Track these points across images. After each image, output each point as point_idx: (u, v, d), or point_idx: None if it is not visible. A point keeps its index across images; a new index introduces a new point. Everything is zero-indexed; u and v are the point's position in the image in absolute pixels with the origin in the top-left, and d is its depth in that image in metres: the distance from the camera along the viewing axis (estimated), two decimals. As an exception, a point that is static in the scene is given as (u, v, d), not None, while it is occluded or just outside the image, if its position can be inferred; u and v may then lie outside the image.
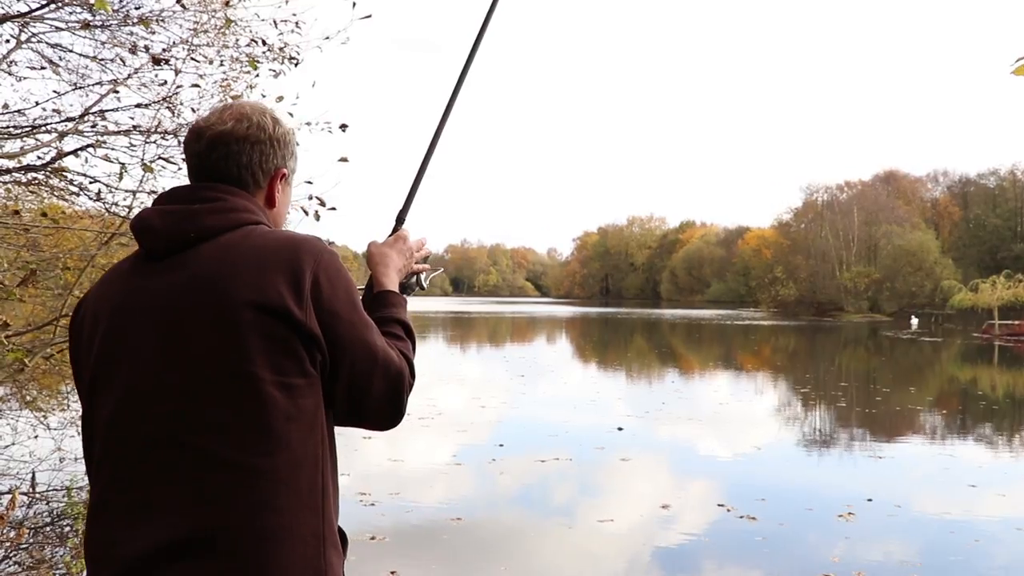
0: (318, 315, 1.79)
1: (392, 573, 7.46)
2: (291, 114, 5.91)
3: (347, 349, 1.83)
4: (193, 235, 1.82)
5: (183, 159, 5.67)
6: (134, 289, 1.85)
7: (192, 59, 5.80)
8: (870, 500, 10.60)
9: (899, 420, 18.63)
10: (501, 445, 14.01)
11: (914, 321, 71.90)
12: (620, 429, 15.83)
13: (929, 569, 8.12)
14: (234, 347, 1.72)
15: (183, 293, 1.77)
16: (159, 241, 1.84)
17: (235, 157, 1.93)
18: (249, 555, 1.68)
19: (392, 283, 2.25)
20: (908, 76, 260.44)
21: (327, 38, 5.90)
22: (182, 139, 5.62)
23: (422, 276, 2.44)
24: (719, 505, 10.34)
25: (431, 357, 32.33)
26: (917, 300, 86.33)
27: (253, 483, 1.70)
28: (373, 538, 8.44)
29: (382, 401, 1.90)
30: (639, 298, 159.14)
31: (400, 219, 2.48)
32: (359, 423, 1.95)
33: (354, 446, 13.09)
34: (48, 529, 6.76)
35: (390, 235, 2.41)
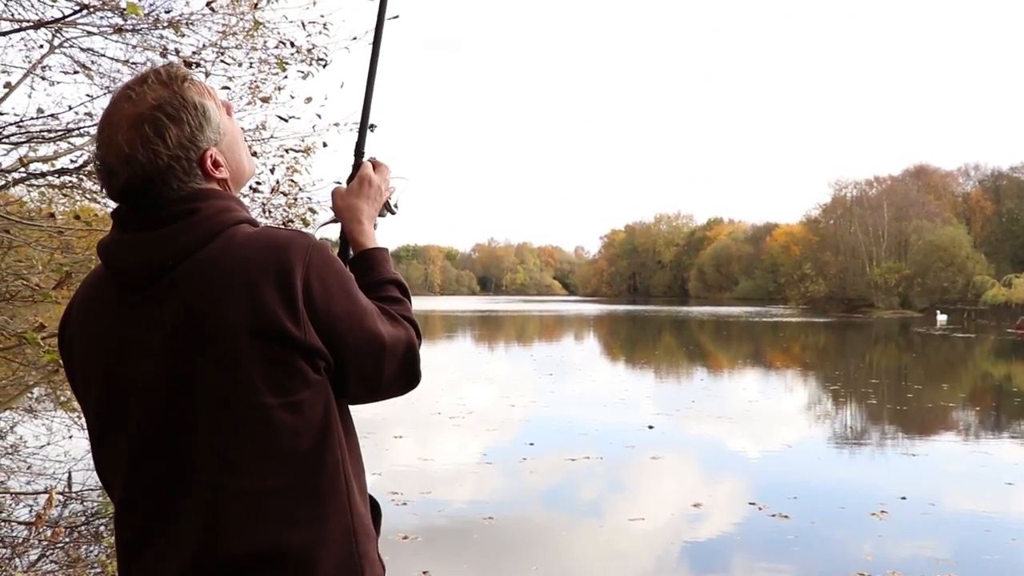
0: (315, 324, 1.70)
1: (424, 573, 7.48)
2: (319, 115, 5.94)
3: (352, 348, 1.77)
4: (171, 263, 1.68)
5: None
6: (124, 324, 1.74)
7: (222, 62, 5.85)
8: (904, 498, 10.51)
9: (932, 417, 18.46)
10: (531, 444, 14.01)
11: (942, 317, 70.89)
12: (651, 427, 15.79)
13: (964, 568, 8.04)
14: (237, 379, 1.64)
15: (176, 329, 1.67)
16: (135, 278, 1.72)
17: (158, 192, 1.71)
18: (289, 573, 1.67)
19: (370, 238, 2.11)
20: (938, 69, 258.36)
21: (355, 39, 5.92)
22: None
23: (391, 202, 2.23)
24: (750, 503, 10.29)
25: (460, 356, 32.42)
26: (949, 296, 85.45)
27: (275, 504, 1.67)
28: (405, 537, 8.46)
29: (396, 378, 1.90)
30: (667, 296, 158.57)
31: (359, 152, 2.25)
32: (375, 400, 1.94)
33: (385, 446, 13.15)
34: (83, 528, 6.82)
35: (351, 176, 2.20)
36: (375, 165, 2.21)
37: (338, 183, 2.20)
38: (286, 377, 1.67)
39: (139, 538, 1.74)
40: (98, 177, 1.78)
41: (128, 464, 1.74)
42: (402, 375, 1.91)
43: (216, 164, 1.78)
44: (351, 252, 2.10)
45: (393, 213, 2.26)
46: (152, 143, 1.68)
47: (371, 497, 1.92)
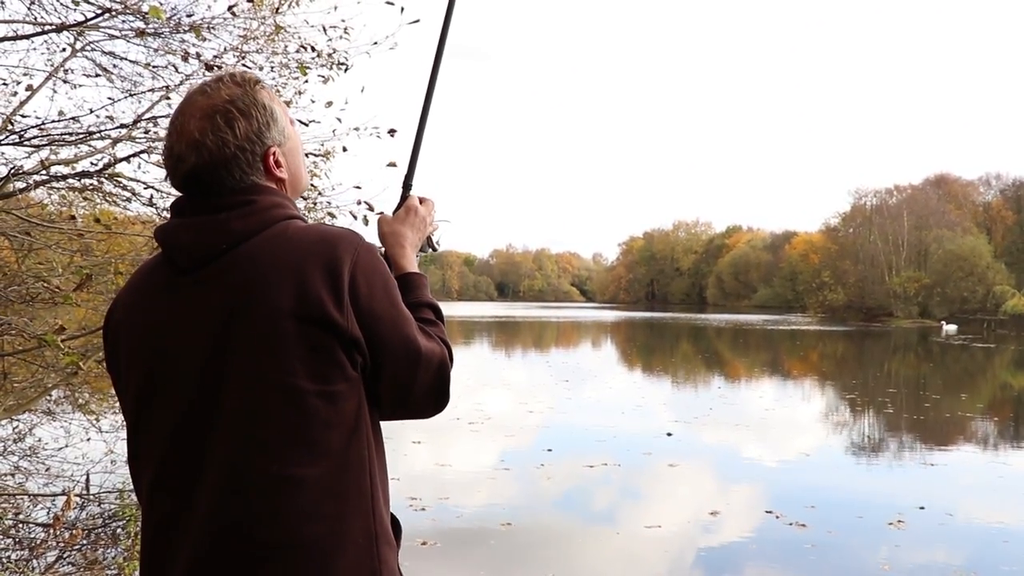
0: (358, 318, 1.75)
1: (440, 578, 7.49)
2: (339, 119, 5.95)
3: (389, 349, 1.80)
4: (225, 246, 1.75)
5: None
6: (171, 304, 1.79)
7: (243, 65, 5.86)
8: (922, 508, 10.45)
9: (950, 427, 18.33)
10: (549, 450, 13.99)
11: (949, 328, 70.05)
12: (670, 435, 15.74)
13: (983, 579, 7.98)
14: (279, 362, 1.68)
15: (223, 309, 1.72)
16: (189, 258, 1.77)
17: (221, 180, 1.80)
18: (302, 566, 1.68)
19: (411, 263, 2.19)
20: (959, 77, 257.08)
21: (375, 43, 5.93)
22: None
23: (433, 238, 2.34)
24: (767, 512, 10.24)
25: (477, 362, 32.39)
26: (969, 306, 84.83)
27: (299, 495, 1.69)
28: (424, 543, 8.46)
29: (427, 393, 1.91)
30: (685, 303, 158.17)
31: (407, 185, 2.35)
32: (406, 415, 1.95)
33: (403, 451, 13.15)
34: (101, 530, 6.86)
35: (398, 206, 2.29)
36: (421, 200, 2.31)
37: (382, 213, 2.30)
38: (324, 365, 1.71)
39: (167, 520, 1.76)
40: (165, 165, 1.86)
41: (162, 445, 1.78)
42: (433, 391, 1.92)
43: (278, 163, 1.89)
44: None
45: (435, 250, 2.36)
46: (222, 131, 1.79)
47: (391, 514, 1.92)
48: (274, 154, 1.88)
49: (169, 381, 1.77)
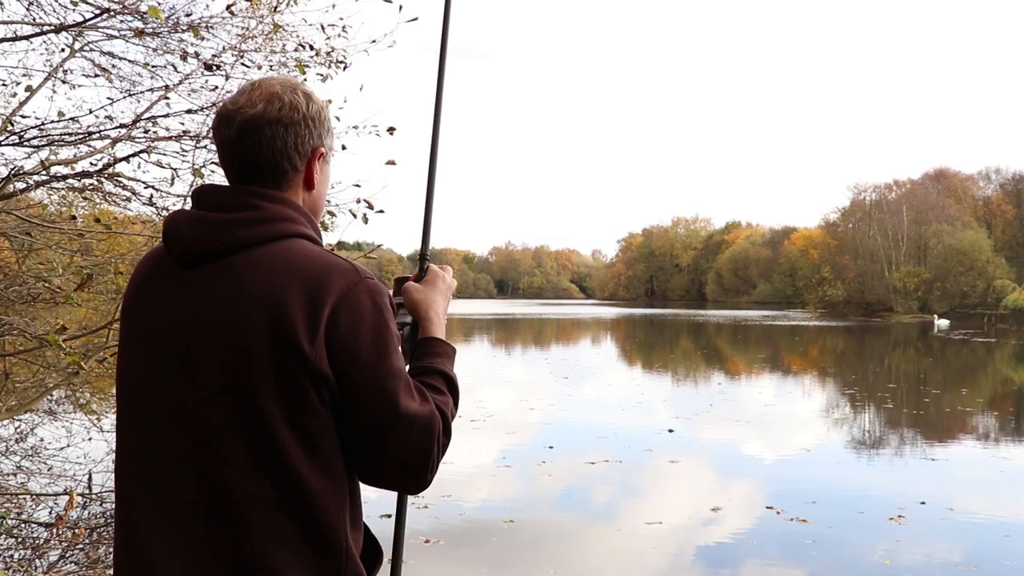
0: (330, 354, 1.66)
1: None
2: (338, 118, 5.95)
3: (360, 398, 1.69)
4: (222, 248, 1.71)
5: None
6: (159, 298, 1.77)
7: (241, 65, 5.87)
8: (923, 503, 10.46)
9: (950, 422, 18.34)
10: (550, 447, 13.99)
11: (941, 323, 69.90)
12: (671, 431, 15.75)
13: (983, 573, 7.99)
14: (246, 379, 1.64)
15: (204, 315, 1.69)
16: (187, 252, 1.74)
17: (269, 143, 1.78)
18: None
19: (440, 329, 2.08)
20: (958, 71, 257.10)
21: (373, 42, 5.94)
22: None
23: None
24: (768, 508, 10.25)
25: (477, 359, 32.39)
26: (969, 300, 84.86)
27: (266, 518, 1.65)
28: (427, 541, 8.47)
29: (400, 463, 1.74)
30: (684, 299, 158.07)
31: (424, 256, 2.31)
32: (378, 480, 1.79)
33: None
34: (103, 529, 6.86)
35: (420, 275, 2.22)
36: (442, 268, 2.26)
37: (407, 279, 2.22)
38: (292, 392, 1.65)
39: (137, 523, 1.74)
40: (215, 130, 1.85)
41: (137, 439, 1.76)
42: (408, 464, 1.75)
43: (322, 160, 1.90)
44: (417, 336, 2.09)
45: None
46: (296, 103, 1.82)
47: (374, 538, 1.88)
48: (322, 155, 1.89)
49: (150, 374, 1.75)
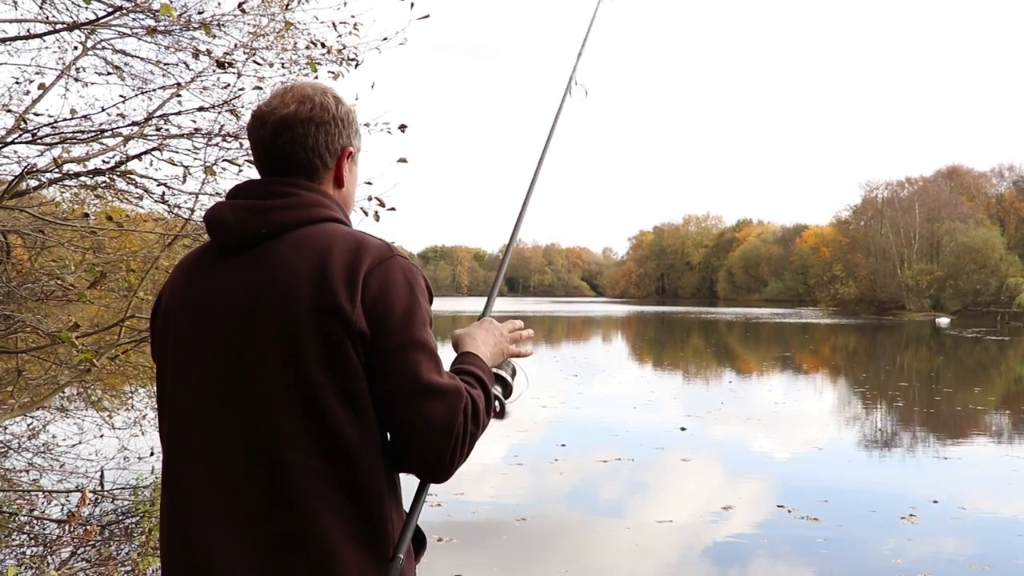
0: (364, 310, 1.73)
1: None
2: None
3: (385, 361, 1.74)
4: (264, 231, 1.81)
5: (245, 161, 5.74)
6: (206, 284, 1.85)
7: (253, 62, 5.88)
8: (935, 502, 10.41)
9: (963, 420, 18.26)
10: (562, 445, 13.98)
11: (942, 321, 69.66)
12: (683, 429, 15.72)
13: (995, 572, 7.94)
14: (297, 353, 1.71)
15: (252, 294, 1.77)
16: (231, 237, 1.83)
17: (301, 140, 1.89)
18: (312, 557, 1.69)
19: (477, 349, 2.09)
20: (971, 68, 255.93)
21: (385, 39, 5.95)
22: (244, 142, 5.73)
23: (505, 403, 2.17)
24: (779, 506, 10.22)
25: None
26: (982, 298, 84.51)
27: (317, 488, 1.70)
28: (440, 539, 8.46)
29: (419, 437, 1.75)
30: (695, 297, 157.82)
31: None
32: (398, 462, 1.83)
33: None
34: (115, 526, 6.89)
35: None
36: (502, 321, 2.35)
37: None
38: (339, 360, 1.72)
39: (186, 499, 1.79)
40: (250, 131, 1.96)
41: (186, 421, 1.83)
42: (429, 435, 1.75)
43: (351, 159, 2.00)
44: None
45: (500, 417, 2.15)
46: (327, 104, 1.93)
47: (419, 528, 1.91)
48: (351, 154, 2.00)
49: (198, 357, 1.82)
